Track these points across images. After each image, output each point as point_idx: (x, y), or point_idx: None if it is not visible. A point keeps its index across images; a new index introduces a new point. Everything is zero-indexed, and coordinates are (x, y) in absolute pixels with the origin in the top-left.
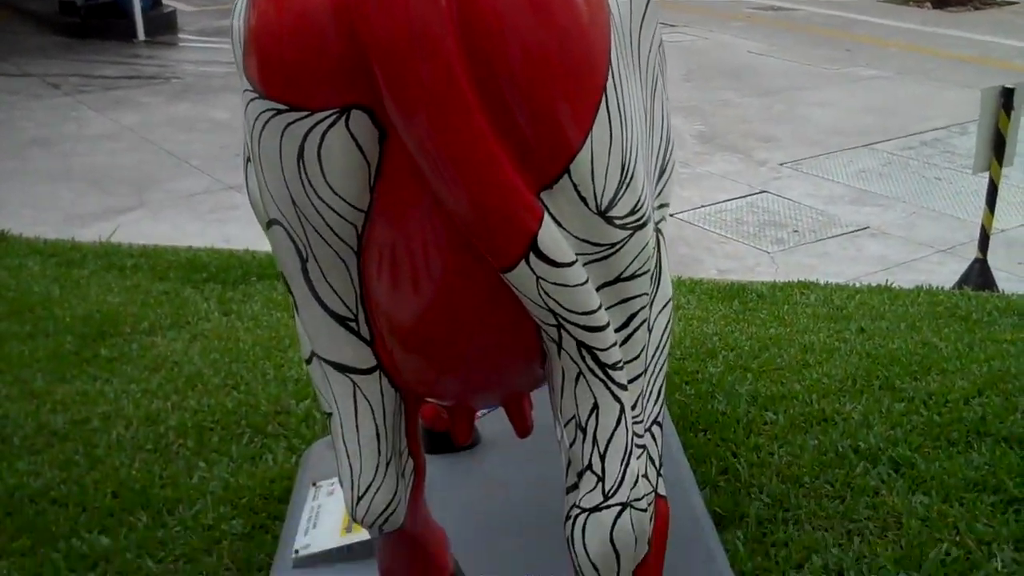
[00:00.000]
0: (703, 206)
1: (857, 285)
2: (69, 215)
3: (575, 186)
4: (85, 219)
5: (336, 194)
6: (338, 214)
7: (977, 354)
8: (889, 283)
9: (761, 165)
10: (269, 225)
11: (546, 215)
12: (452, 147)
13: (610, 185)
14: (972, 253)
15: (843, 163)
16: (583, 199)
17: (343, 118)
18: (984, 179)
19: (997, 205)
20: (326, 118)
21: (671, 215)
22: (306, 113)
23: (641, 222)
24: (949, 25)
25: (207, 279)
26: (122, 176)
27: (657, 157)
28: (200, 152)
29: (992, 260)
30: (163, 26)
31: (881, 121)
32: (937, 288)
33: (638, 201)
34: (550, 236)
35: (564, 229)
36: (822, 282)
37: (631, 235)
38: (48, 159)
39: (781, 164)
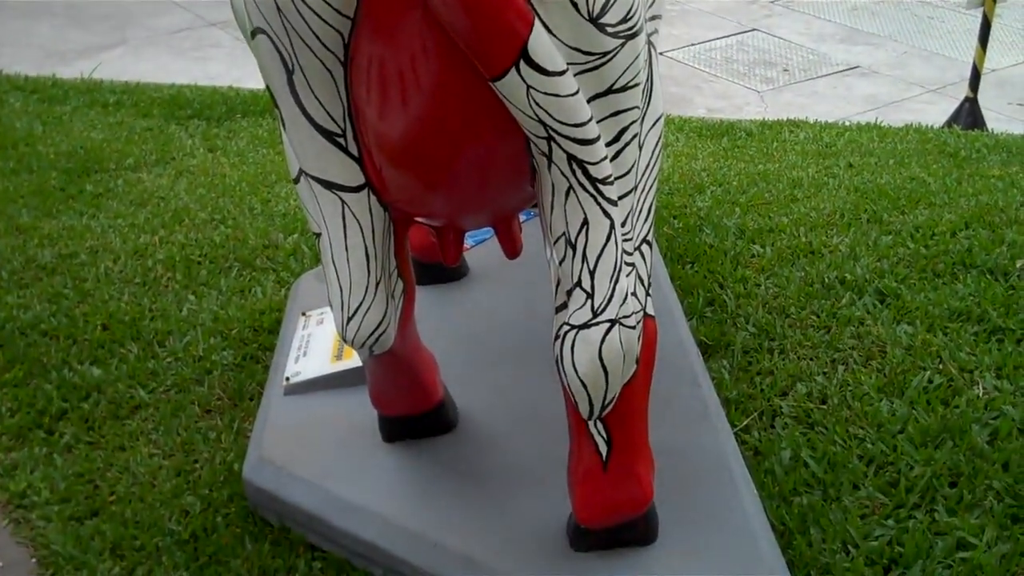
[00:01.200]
0: (693, 44)
1: (847, 123)
2: (49, 52)
3: None
4: (66, 56)
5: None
6: (323, 19)
7: (965, 188)
8: (879, 122)
9: (752, 2)
10: (254, 35)
11: (537, 21)
12: None
13: None
14: (963, 93)
15: (836, 0)
16: (574, 4)
17: None
18: (977, 18)
19: (989, 45)
20: None
21: (661, 53)
22: None
23: (633, 30)
24: None
25: (191, 116)
26: (103, 12)
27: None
28: None
29: (982, 100)
30: None
31: None
32: (927, 126)
33: (631, 8)
34: (541, 43)
35: (555, 36)
36: (811, 120)
37: (623, 44)
38: None
39: (772, 1)
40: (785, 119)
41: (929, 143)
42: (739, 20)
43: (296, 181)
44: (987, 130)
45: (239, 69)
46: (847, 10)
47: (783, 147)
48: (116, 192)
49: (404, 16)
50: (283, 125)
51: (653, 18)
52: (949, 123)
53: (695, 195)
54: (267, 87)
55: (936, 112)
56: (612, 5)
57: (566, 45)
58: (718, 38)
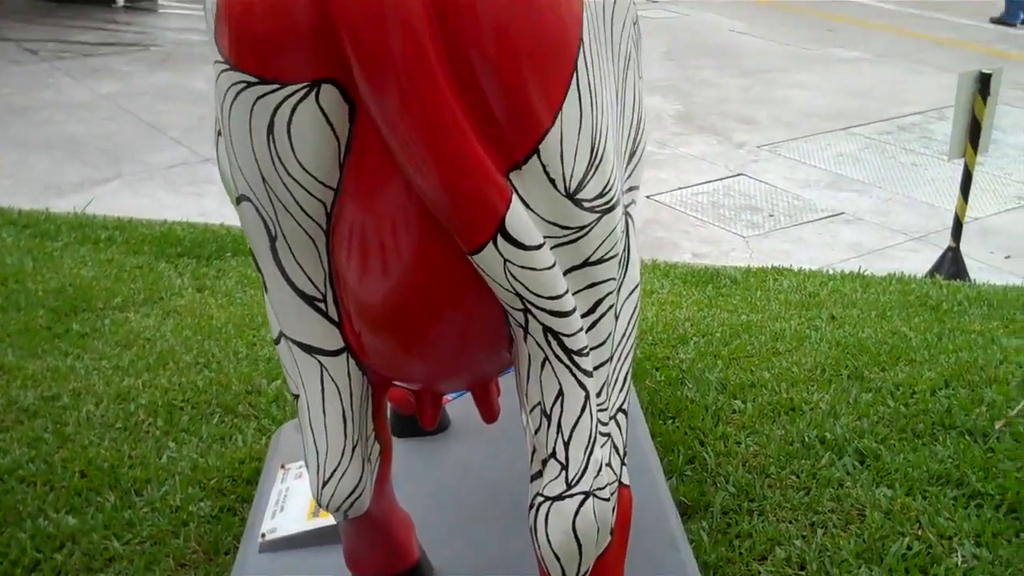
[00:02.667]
0: (680, 188)
1: (830, 272)
2: (45, 185)
3: (544, 167)
4: (61, 189)
5: (305, 170)
6: (307, 191)
7: (946, 344)
8: (862, 270)
9: (739, 147)
10: (239, 201)
11: (514, 196)
12: (421, 124)
13: (579, 166)
14: (946, 241)
15: (821, 146)
16: (552, 180)
17: (314, 92)
18: (959, 166)
19: (972, 193)
20: (297, 91)
21: (648, 196)
22: (277, 86)
23: (610, 205)
24: (930, 7)
25: (181, 254)
26: (99, 146)
27: (628, 139)
28: (179, 123)
29: (965, 248)
30: None
31: (860, 104)
32: (909, 276)
33: (607, 183)
34: (518, 218)
35: (532, 211)
36: (796, 268)
37: (600, 218)
38: (25, 127)
39: (759, 146)
40: (770, 266)
41: (911, 294)
42: (726, 165)
43: (277, 342)
44: (969, 280)
45: (231, 206)
46: (832, 156)
47: (767, 296)
48: (102, 332)
49: (385, 187)
50: (265, 288)
51: (630, 189)
52: (932, 273)
53: (678, 346)
54: (251, 251)
55: (919, 260)
56: (589, 181)
57: (543, 219)
58: (705, 182)
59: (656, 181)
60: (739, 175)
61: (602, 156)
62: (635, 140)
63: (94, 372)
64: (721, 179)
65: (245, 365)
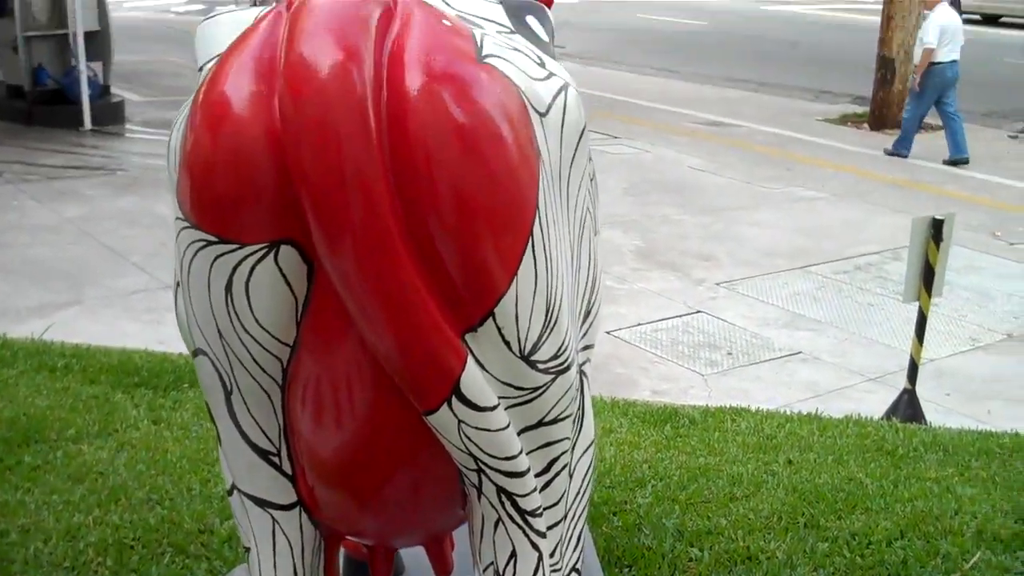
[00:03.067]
0: (639, 324)
1: (788, 412)
2: (3, 309)
3: (499, 329)
4: (20, 314)
5: (262, 328)
6: (264, 348)
7: (901, 492)
8: (819, 412)
9: (698, 284)
10: (195, 354)
11: (470, 358)
12: (377, 286)
13: (534, 328)
14: (902, 382)
15: (778, 285)
16: (507, 343)
17: (272, 252)
18: (915, 307)
19: (927, 334)
20: (256, 252)
21: (607, 332)
22: (236, 246)
23: (565, 366)
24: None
25: (138, 384)
26: (61, 270)
27: (583, 299)
28: (141, 248)
29: (921, 390)
30: (111, 115)
31: (816, 243)
32: (866, 418)
33: (562, 344)
34: (473, 380)
35: (487, 372)
36: (753, 408)
37: (554, 379)
38: None
39: (718, 284)
40: (728, 406)
41: (868, 438)
42: (685, 301)
43: (229, 494)
44: (926, 423)
45: None
46: (790, 294)
47: (725, 437)
48: (55, 465)
49: (342, 344)
50: (219, 440)
51: (585, 348)
52: (888, 415)
53: (636, 489)
54: (206, 403)
55: (876, 401)
56: (544, 342)
57: (498, 380)
58: (664, 319)
59: (615, 316)
60: (698, 312)
61: (557, 318)
62: (590, 300)
63: (44, 507)
64: (680, 316)
65: (198, 502)
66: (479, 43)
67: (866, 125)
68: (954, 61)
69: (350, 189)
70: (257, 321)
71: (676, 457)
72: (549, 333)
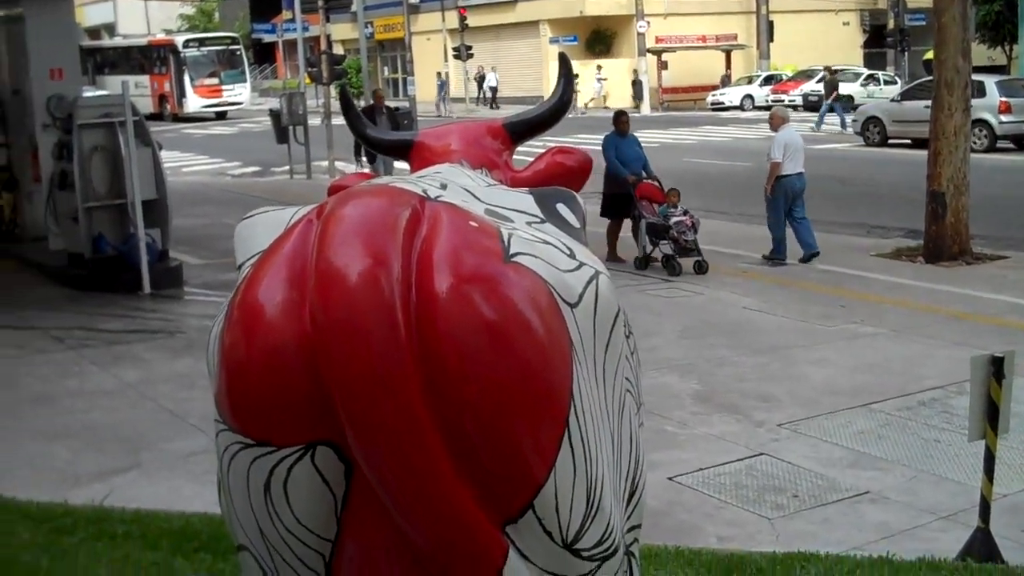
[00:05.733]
0: (702, 469)
1: (858, 556)
2: (64, 475)
3: (539, 520)
4: (80, 479)
5: (303, 526)
6: (305, 544)
7: None
8: (891, 555)
9: (759, 426)
10: (239, 549)
11: (511, 550)
12: (413, 485)
13: (576, 517)
14: (975, 519)
15: (841, 424)
16: (548, 533)
17: (309, 453)
18: (982, 443)
19: (997, 469)
20: (292, 453)
21: (669, 478)
22: (273, 449)
23: (610, 552)
24: (942, 280)
25: (198, 548)
26: (119, 434)
27: (626, 479)
28: (199, 410)
29: (995, 527)
30: (170, 279)
31: (878, 380)
32: (940, 560)
33: (606, 531)
34: (516, 572)
35: (530, 562)
36: (823, 553)
37: (599, 566)
38: (47, 416)
39: (779, 425)
40: (797, 551)
41: None
42: (747, 444)
43: None
44: (1003, 561)
45: None
46: (854, 433)
47: None
48: None
49: (383, 539)
50: None
51: (631, 528)
52: (963, 555)
53: None
54: None
55: (949, 541)
56: (587, 530)
57: (543, 570)
58: (726, 463)
59: (677, 462)
60: (760, 455)
61: (599, 505)
62: (635, 479)
63: None
64: (743, 459)
65: None
66: (506, 241)
67: (920, 258)
68: (800, 173)
69: (381, 391)
70: (297, 519)
71: None
72: (592, 521)
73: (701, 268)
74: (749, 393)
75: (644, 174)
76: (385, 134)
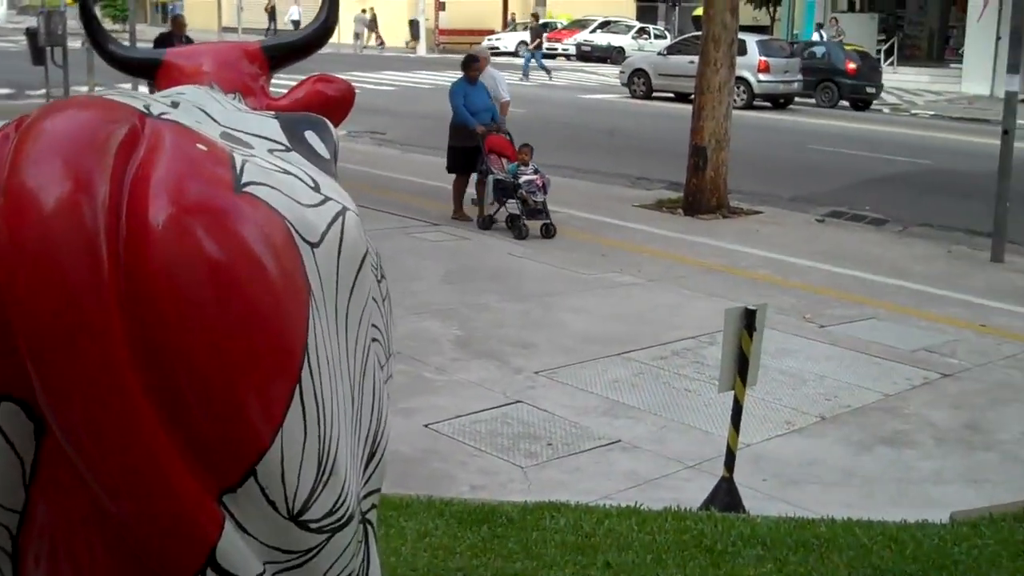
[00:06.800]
0: (459, 416)
1: (607, 507)
2: None
3: (262, 489)
4: None
5: None
6: None
7: None
8: (638, 505)
9: (517, 373)
10: None
11: (228, 522)
12: (113, 447)
13: (304, 485)
14: (720, 468)
15: (597, 372)
16: (272, 503)
17: None
18: (730, 394)
19: (743, 420)
20: None
21: (425, 425)
22: None
23: (342, 522)
24: (699, 233)
25: None
26: None
27: (366, 440)
28: None
29: (739, 476)
30: None
31: (633, 329)
32: (685, 510)
33: (339, 498)
34: (232, 546)
35: (250, 535)
36: (573, 503)
37: (329, 537)
38: None
39: (536, 372)
40: (547, 501)
41: (687, 532)
42: (504, 392)
43: None
44: (744, 511)
45: None
46: (609, 382)
47: (543, 537)
48: None
49: (78, 511)
50: None
51: (370, 494)
52: (707, 504)
53: None
54: None
55: (695, 489)
56: (316, 499)
57: (264, 544)
58: (483, 410)
59: (434, 408)
60: (517, 402)
61: (331, 470)
62: (375, 439)
63: None
64: (499, 406)
65: None
66: (239, 169)
67: (680, 210)
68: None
69: (76, 339)
70: None
71: (492, 563)
72: (323, 488)
73: (548, 232)
74: (509, 340)
75: (495, 125)
76: (131, 52)
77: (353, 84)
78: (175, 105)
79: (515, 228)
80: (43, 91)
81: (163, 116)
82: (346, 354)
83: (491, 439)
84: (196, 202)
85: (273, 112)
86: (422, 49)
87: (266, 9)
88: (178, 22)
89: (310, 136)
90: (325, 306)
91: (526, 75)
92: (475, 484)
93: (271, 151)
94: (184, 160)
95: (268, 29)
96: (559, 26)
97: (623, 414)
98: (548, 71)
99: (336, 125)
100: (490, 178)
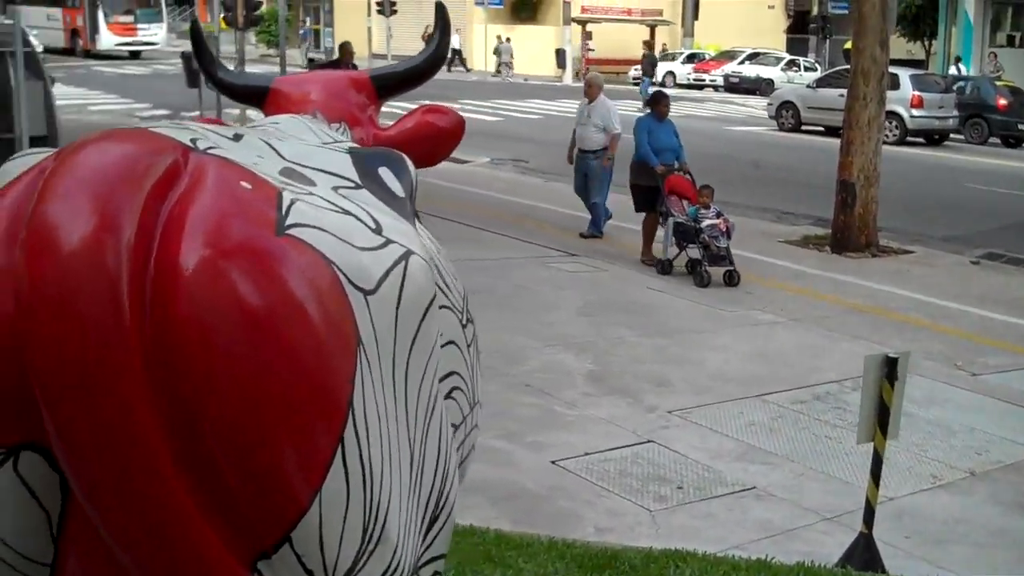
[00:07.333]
0: (588, 454)
1: (735, 558)
2: None
3: (299, 557)
4: None
5: (7, 546)
6: (15, 569)
7: None
8: (769, 558)
9: (650, 411)
10: None
11: None
12: (131, 509)
13: (346, 554)
14: (859, 522)
15: (733, 414)
16: (309, 572)
17: (10, 459)
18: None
19: (885, 471)
20: None
21: (553, 462)
22: None
23: None
24: (847, 271)
25: None
26: None
27: (428, 503)
28: None
29: (879, 531)
30: None
31: (774, 370)
32: (819, 566)
33: (388, 568)
34: None
35: None
36: (700, 552)
37: None
38: None
39: (670, 411)
40: (673, 549)
41: None
42: (635, 430)
43: None
44: (883, 570)
45: None
46: (744, 424)
47: None
48: None
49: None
50: None
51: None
52: (843, 562)
53: None
54: None
55: (832, 544)
56: (363, 566)
57: None
58: (613, 448)
59: (562, 445)
60: (649, 442)
61: (379, 538)
62: (439, 502)
63: None
64: (630, 445)
65: None
66: (285, 209)
67: (827, 247)
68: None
69: (92, 389)
70: (1, 539)
71: None
72: (369, 556)
73: (732, 279)
74: (643, 376)
75: (676, 165)
76: (239, 78)
77: (500, 111)
78: (237, 138)
79: (696, 274)
80: (196, 112)
81: (209, 151)
82: (405, 410)
83: (620, 479)
84: (233, 243)
85: (348, 146)
86: (568, 77)
87: (423, 37)
88: (346, 49)
89: (384, 173)
90: (379, 358)
91: (646, 104)
92: (601, 526)
93: (336, 188)
94: (224, 198)
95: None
96: (706, 57)
97: (759, 459)
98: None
99: (445, 157)
100: (670, 221)
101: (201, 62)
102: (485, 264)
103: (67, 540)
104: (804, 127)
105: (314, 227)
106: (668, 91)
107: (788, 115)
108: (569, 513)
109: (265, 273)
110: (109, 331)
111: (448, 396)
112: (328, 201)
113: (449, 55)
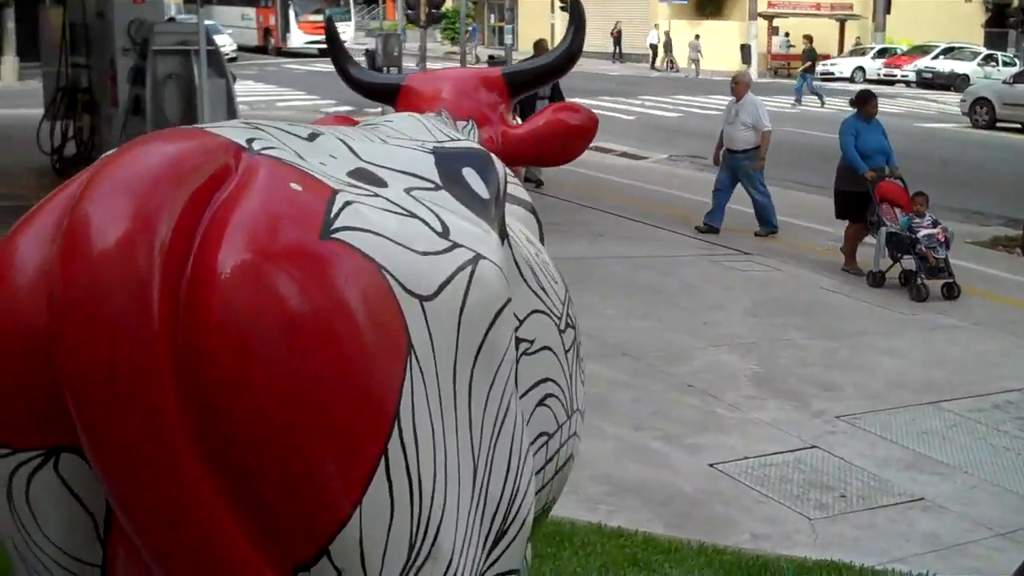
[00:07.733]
0: (747, 458)
1: (897, 571)
2: None
3: (339, 572)
4: None
5: (56, 546)
6: (65, 569)
7: None
8: (934, 574)
9: (816, 416)
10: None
11: None
12: (162, 520)
13: (391, 569)
14: None
15: (905, 421)
16: None
17: (51, 461)
18: None
19: None
20: (30, 459)
21: (711, 465)
22: (6, 451)
23: None
24: None
25: None
26: None
27: (494, 518)
28: None
29: None
30: None
31: (951, 376)
32: None
33: None
34: None
35: None
36: (858, 565)
37: None
38: None
39: (838, 417)
40: (829, 561)
41: None
42: (800, 435)
43: None
44: None
45: None
46: (916, 432)
47: None
48: None
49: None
50: None
51: None
52: None
53: None
54: None
55: (1003, 561)
56: None
57: None
58: (775, 453)
59: (722, 448)
60: (813, 447)
61: (429, 555)
62: (507, 518)
63: None
64: (793, 451)
65: None
66: (336, 210)
67: (1018, 249)
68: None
69: (120, 396)
70: (48, 539)
71: None
72: (416, 573)
73: (952, 292)
74: (811, 379)
75: (887, 170)
76: (371, 76)
77: (680, 107)
78: (312, 138)
79: (911, 288)
80: (379, 108)
81: (264, 151)
82: (468, 420)
83: (780, 485)
84: (273, 247)
85: (433, 146)
86: (753, 73)
87: (612, 33)
88: (540, 47)
89: (468, 174)
90: (437, 366)
91: (799, 100)
92: (757, 533)
93: (409, 189)
94: (271, 200)
95: (613, 54)
96: (898, 52)
97: (929, 469)
98: (821, 96)
99: (577, 155)
100: (882, 230)
101: (336, 61)
102: (655, 261)
103: (113, 542)
104: (999, 124)
105: (366, 230)
106: (856, 86)
107: (982, 112)
108: (724, 518)
109: (305, 277)
110: (136, 333)
111: (541, 403)
112: (393, 203)
113: (651, 52)
